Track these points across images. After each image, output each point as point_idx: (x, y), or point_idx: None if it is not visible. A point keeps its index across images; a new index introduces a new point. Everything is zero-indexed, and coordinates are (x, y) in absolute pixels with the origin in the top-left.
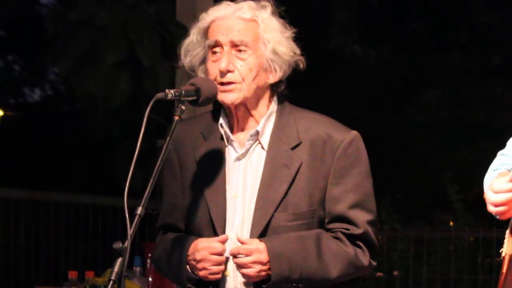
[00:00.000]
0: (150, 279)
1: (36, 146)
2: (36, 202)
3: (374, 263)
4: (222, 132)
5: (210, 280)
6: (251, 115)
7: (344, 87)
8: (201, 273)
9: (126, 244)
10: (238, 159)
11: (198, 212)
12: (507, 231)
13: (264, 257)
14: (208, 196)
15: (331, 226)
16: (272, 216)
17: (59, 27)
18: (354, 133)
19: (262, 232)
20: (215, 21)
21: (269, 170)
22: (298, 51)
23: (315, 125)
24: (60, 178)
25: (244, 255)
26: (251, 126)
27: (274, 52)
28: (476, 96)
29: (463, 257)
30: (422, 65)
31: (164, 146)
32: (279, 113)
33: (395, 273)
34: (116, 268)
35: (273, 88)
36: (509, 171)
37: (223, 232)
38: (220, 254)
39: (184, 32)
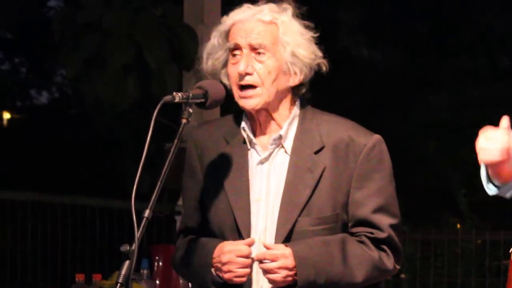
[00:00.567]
0: (158, 282)
1: (43, 148)
2: (43, 204)
3: (398, 267)
4: (245, 135)
5: (235, 283)
6: (273, 119)
7: (350, 88)
8: (227, 275)
9: (133, 247)
10: (261, 162)
11: (222, 216)
12: None
13: (290, 262)
14: (231, 199)
15: (354, 230)
16: (296, 220)
17: (67, 30)
18: (377, 136)
19: (287, 236)
20: (235, 24)
21: (293, 174)
22: (319, 54)
23: (338, 129)
24: (67, 181)
25: (270, 261)
26: (274, 130)
27: (294, 55)
28: (482, 98)
29: (470, 260)
30: (429, 67)
31: (172, 149)
32: (302, 117)
33: (402, 276)
34: (123, 271)
35: (295, 91)
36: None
37: (248, 235)
38: (246, 257)
39: (191, 34)
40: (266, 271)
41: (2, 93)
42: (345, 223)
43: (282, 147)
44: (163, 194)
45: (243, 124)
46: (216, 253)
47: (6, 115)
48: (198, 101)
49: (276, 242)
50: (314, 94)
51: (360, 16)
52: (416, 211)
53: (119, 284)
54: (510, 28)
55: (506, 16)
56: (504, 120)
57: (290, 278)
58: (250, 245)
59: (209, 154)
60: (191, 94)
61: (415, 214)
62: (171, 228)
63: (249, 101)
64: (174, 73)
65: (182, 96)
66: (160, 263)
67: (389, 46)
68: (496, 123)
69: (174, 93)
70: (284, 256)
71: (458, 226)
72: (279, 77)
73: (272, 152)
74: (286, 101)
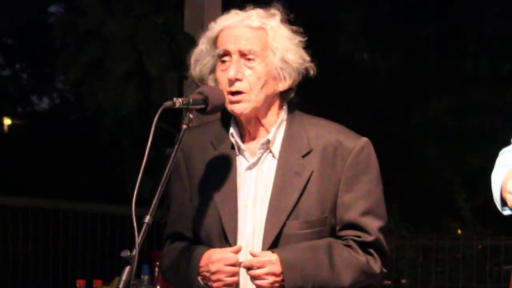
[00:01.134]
0: (158, 287)
1: (44, 154)
2: (44, 210)
3: (385, 270)
4: (233, 141)
5: None
6: (262, 124)
7: (353, 93)
8: (215, 284)
9: (134, 253)
10: (249, 168)
11: (209, 222)
12: None
13: (277, 268)
14: (219, 205)
15: (342, 233)
16: (284, 224)
17: (67, 36)
18: (365, 139)
19: (274, 240)
20: (224, 30)
21: (281, 178)
22: (307, 58)
23: (326, 133)
24: (68, 186)
25: (257, 267)
26: (262, 135)
27: (283, 60)
28: (484, 103)
29: (471, 265)
30: (431, 72)
31: (172, 155)
32: (290, 121)
33: (403, 281)
34: (124, 277)
35: (283, 96)
36: None
37: (235, 241)
38: (234, 265)
39: (192, 42)
40: (253, 278)
41: (3, 99)
42: (333, 227)
43: (270, 151)
44: (163, 200)
45: (231, 129)
46: (203, 261)
47: (7, 121)
48: (198, 107)
49: (264, 246)
50: (315, 98)
51: (362, 21)
52: (418, 216)
53: None
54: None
55: (508, 20)
56: None
57: (277, 284)
58: (237, 252)
59: (196, 160)
60: (191, 100)
61: (416, 219)
62: None
63: (238, 106)
64: (174, 80)
65: (183, 102)
66: None
67: (391, 50)
68: (500, 129)
69: (175, 99)
70: (271, 262)
71: (459, 231)
72: (268, 82)
73: (260, 157)
74: (275, 106)
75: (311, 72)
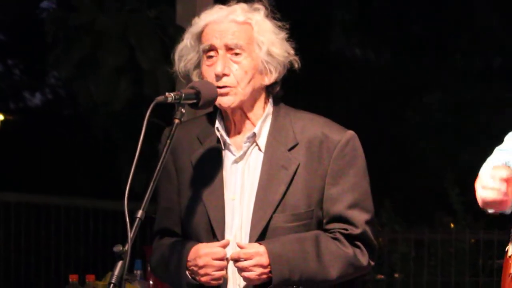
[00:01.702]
0: (151, 282)
1: (36, 150)
2: (37, 205)
3: (373, 263)
4: (219, 135)
5: (212, 285)
6: (248, 118)
7: (345, 89)
8: (204, 278)
9: (126, 247)
10: (236, 161)
11: (196, 216)
12: None
13: (264, 260)
14: (206, 199)
15: (329, 226)
16: (271, 217)
17: (59, 31)
18: (351, 132)
19: (261, 233)
20: (209, 25)
21: (267, 171)
22: (292, 51)
23: (312, 126)
24: (61, 182)
25: (244, 259)
26: (248, 129)
27: (269, 54)
28: (477, 98)
29: (464, 259)
30: (423, 67)
31: (164, 150)
32: (275, 115)
33: (396, 275)
34: (116, 272)
35: (269, 89)
36: (506, 165)
37: (223, 235)
38: (222, 259)
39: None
40: (241, 270)
41: None
42: (320, 220)
43: (256, 145)
44: (156, 194)
45: (217, 124)
46: (191, 256)
47: None
48: (191, 101)
49: (251, 239)
50: (308, 94)
51: (355, 17)
52: (410, 210)
53: (112, 285)
54: (506, 28)
55: (501, 17)
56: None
57: (265, 276)
58: (225, 246)
59: (183, 155)
60: (183, 94)
61: (408, 213)
62: None
63: (225, 99)
64: (167, 74)
65: (175, 96)
66: None
67: (384, 46)
68: (492, 124)
69: (167, 93)
70: (259, 254)
71: (452, 225)
72: (255, 76)
73: (247, 151)
74: (261, 100)
75: (296, 66)
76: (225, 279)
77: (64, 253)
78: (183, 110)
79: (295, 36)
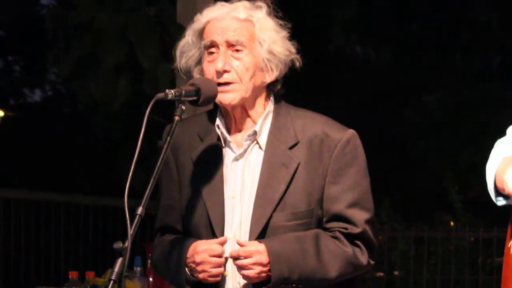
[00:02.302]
0: (151, 279)
1: (36, 146)
2: (37, 202)
3: (373, 262)
4: (219, 133)
5: (210, 282)
6: (248, 115)
7: (345, 87)
8: (201, 275)
9: (126, 244)
10: (236, 159)
11: (196, 213)
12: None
13: (264, 258)
14: (206, 197)
15: (329, 225)
16: (271, 215)
17: (59, 29)
18: (351, 131)
19: (261, 232)
20: (210, 22)
21: (267, 170)
22: (293, 50)
23: (312, 124)
24: (61, 179)
25: (244, 257)
26: (249, 126)
27: (270, 51)
28: (476, 97)
29: (463, 257)
30: (423, 67)
31: (164, 147)
32: (276, 113)
33: (396, 273)
34: (116, 268)
35: (270, 87)
36: None
37: (222, 232)
38: (220, 256)
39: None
40: (240, 267)
41: None
42: (320, 219)
43: (257, 143)
44: (156, 191)
45: (217, 121)
46: (190, 252)
47: None
48: (191, 98)
49: (251, 237)
50: (307, 94)
51: (355, 15)
52: (410, 209)
53: (112, 281)
54: (506, 27)
55: (501, 16)
56: None
57: (264, 274)
58: (223, 243)
59: (183, 152)
60: (183, 91)
61: (408, 212)
62: None
63: (226, 95)
64: (167, 72)
65: (175, 94)
66: None
67: (384, 45)
68: (492, 122)
69: (167, 90)
70: (258, 252)
71: (452, 223)
72: (256, 73)
73: (247, 149)
74: (262, 98)
75: (297, 64)
76: (224, 277)
77: (64, 250)
78: (183, 107)
79: (295, 35)
